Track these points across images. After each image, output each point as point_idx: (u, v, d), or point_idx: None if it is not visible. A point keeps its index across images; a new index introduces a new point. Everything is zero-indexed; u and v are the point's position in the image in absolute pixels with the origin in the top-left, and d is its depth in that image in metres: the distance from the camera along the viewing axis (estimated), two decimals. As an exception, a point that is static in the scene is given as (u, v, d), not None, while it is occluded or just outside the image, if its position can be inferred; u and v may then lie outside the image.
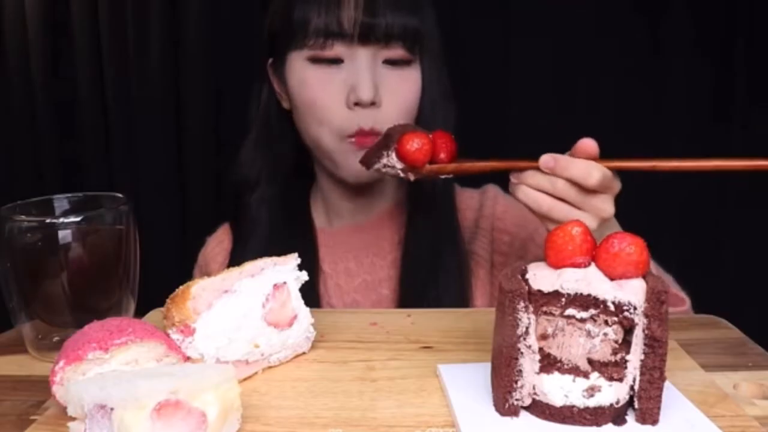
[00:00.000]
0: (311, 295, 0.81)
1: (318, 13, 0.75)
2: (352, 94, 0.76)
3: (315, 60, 0.78)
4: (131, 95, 1.36)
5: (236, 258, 0.84)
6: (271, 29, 0.83)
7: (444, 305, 0.78)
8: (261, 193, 0.87)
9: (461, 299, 0.82)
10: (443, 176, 0.68)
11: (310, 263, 0.82)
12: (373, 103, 0.76)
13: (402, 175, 0.67)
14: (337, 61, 0.77)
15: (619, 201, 0.64)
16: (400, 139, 0.65)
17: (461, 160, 0.68)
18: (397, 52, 0.77)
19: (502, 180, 0.69)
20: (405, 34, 0.77)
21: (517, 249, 0.85)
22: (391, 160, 0.66)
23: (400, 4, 0.76)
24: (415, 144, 0.64)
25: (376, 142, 0.69)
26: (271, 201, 0.87)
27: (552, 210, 0.62)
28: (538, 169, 0.62)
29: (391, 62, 0.78)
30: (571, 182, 0.61)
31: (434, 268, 0.83)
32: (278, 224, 0.86)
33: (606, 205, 0.62)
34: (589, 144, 0.61)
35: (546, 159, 0.61)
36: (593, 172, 0.60)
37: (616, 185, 0.63)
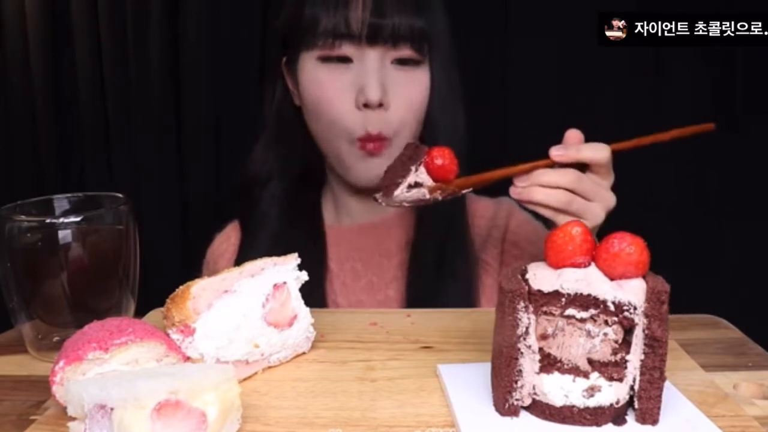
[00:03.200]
0: (317, 293, 0.81)
1: (327, 14, 0.76)
2: (361, 95, 0.76)
3: (325, 59, 0.78)
4: (131, 95, 1.36)
5: (245, 254, 0.84)
6: (284, 28, 0.84)
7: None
8: (272, 189, 0.87)
9: (468, 305, 0.81)
10: (464, 192, 0.63)
11: (317, 261, 0.83)
12: (380, 105, 0.76)
13: (428, 195, 0.61)
14: (346, 59, 0.77)
15: (619, 201, 0.64)
16: (429, 153, 0.61)
17: (477, 173, 0.63)
18: (405, 52, 0.77)
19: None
20: (412, 35, 0.77)
21: None
22: (420, 176, 0.61)
23: (407, 4, 0.76)
24: (445, 158, 0.60)
25: (397, 159, 0.62)
26: (282, 197, 0.87)
27: (571, 203, 0.62)
28: (547, 167, 0.62)
29: (400, 62, 0.78)
30: (580, 169, 0.62)
31: (441, 272, 0.82)
32: (288, 221, 0.86)
33: (610, 195, 0.65)
34: (576, 132, 0.63)
35: (556, 149, 0.62)
36: (601, 149, 0.62)
37: (613, 174, 0.65)
